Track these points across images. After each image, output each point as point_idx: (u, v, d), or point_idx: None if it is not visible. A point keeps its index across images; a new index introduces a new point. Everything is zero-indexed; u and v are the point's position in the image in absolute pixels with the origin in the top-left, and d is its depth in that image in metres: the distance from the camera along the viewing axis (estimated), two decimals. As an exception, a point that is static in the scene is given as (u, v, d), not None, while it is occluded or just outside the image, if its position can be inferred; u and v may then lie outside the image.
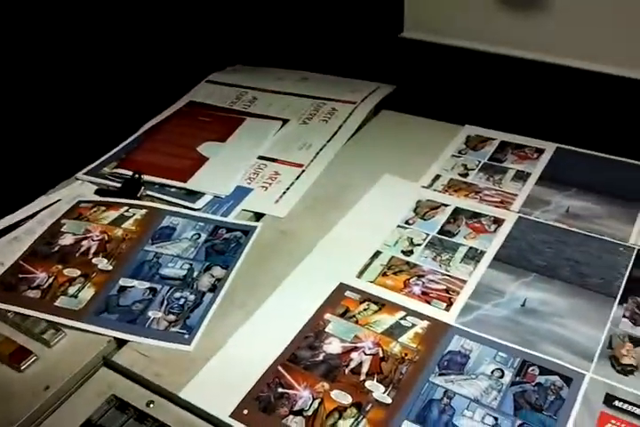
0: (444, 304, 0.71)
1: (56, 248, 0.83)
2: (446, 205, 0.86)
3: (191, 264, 0.80)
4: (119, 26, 1.10)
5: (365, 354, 0.67)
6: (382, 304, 0.72)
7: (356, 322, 0.70)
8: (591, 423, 0.58)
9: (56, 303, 0.75)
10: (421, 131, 1.02)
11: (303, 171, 0.96)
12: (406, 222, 0.84)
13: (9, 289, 0.77)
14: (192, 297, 0.75)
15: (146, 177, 0.95)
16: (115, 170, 0.98)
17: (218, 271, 0.79)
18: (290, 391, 0.63)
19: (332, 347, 0.68)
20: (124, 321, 0.72)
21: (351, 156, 0.99)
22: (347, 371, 0.65)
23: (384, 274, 0.76)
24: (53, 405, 0.65)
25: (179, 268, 0.79)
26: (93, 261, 0.80)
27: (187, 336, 0.71)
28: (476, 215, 0.83)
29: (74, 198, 0.92)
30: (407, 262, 0.77)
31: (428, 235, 0.81)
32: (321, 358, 0.67)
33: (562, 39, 0.95)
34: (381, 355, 0.66)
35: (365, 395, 0.62)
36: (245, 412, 0.62)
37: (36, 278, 0.78)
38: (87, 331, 0.71)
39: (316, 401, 0.62)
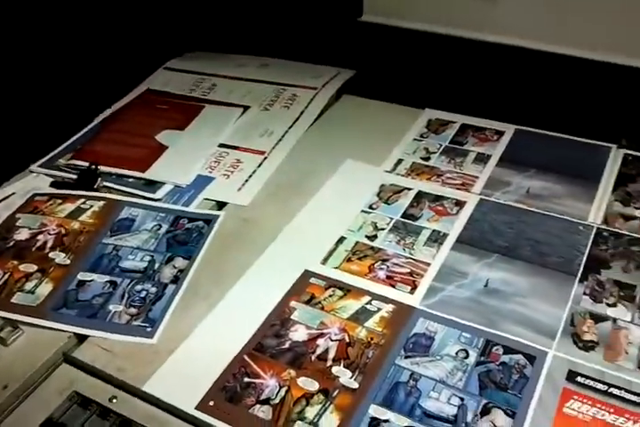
0: (409, 287, 0.71)
1: (11, 243, 0.80)
2: (409, 189, 0.85)
3: (152, 256, 0.78)
4: (73, 11, 1.06)
5: (331, 340, 0.66)
6: (347, 290, 0.72)
7: (322, 308, 0.70)
8: (554, 400, 0.59)
9: (12, 300, 0.72)
10: (383, 115, 1.02)
11: (265, 158, 0.95)
12: (370, 207, 0.83)
13: (-38, 287, 0.74)
14: (154, 289, 0.74)
15: (103, 168, 0.93)
16: (70, 161, 0.95)
17: (180, 262, 0.77)
18: (256, 381, 0.63)
19: (298, 334, 0.67)
20: (84, 316, 0.71)
21: (313, 142, 0.98)
22: (313, 358, 0.65)
23: (349, 259, 0.76)
24: (13, 404, 0.63)
25: (139, 260, 0.78)
26: (50, 255, 0.78)
27: (149, 329, 0.69)
28: (439, 198, 0.83)
29: (28, 192, 0.89)
30: (371, 247, 0.77)
31: (391, 219, 0.81)
32: (287, 345, 0.66)
33: (520, 21, 0.95)
34: (347, 340, 0.66)
35: (332, 381, 0.62)
36: (211, 403, 0.61)
37: (-10, 275, 0.76)
38: (46, 327, 0.70)
39: (283, 389, 0.62)
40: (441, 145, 0.93)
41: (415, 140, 0.95)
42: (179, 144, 0.98)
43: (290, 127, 1.01)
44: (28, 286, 0.74)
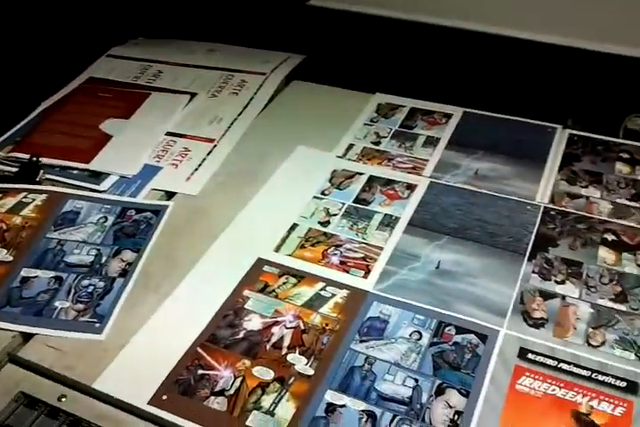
0: (363, 272, 0.71)
1: (-53, 241, 0.76)
2: (361, 174, 0.85)
3: (99, 249, 0.76)
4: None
5: (286, 328, 0.66)
6: (301, 277, 0.71)
7: (276, 296, 0.69)
8: (507, 378, 0.60)
9: (-49, 300, 0.69)
10: (333, 100, 1.01)
11: (215, 146, 0.93)
12: (322, 193, 0.83)
13: None
14: (101, 284, 0.72)
15: (45, 160, 0.89)
16: (10, 154, 0.91)
17: (128, 255, 0.75)
18: (210, 372, 0.62)
19: (253, 323, 0.66)
20: (29, 314, 0.68)
21: (263, 128, 0.96)
22: (268, 346, 0.64)
23: (302, 246, 0.75)
24: (-45, 408, 0.60)
25: (85, 254, 0.75)
26: (-10, 252, 0.75)
27: (98, 325, 0.67)
28: (390, 182, 0.83)
29: (-35, 187, 0.85)
30: (324, 233, 0.77)
31: (343, 204, 0.81)
32: (241, 335, 0.65)
33: (466, 3, 0.95)
34: (302, 327, 0.66)
35: (288, 369, 0.62)
36: (164, 397, 0.60)
37: None
38: (-12, 327, 0.67)
39: (238, 380, 0.61)
40: (391, 129, 0.93)
41: (365, 124, 0.95)
42: (124, 133, 0.95)
43: (239, 114, 0.99)
44: (-32, 285, 0.71)
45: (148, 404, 0.59)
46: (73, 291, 0.71)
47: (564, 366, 0.60)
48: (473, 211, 0.78)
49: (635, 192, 0.78)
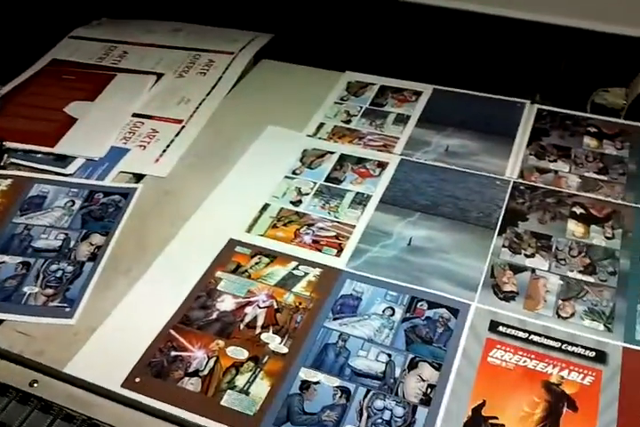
0: (335, 250, 0.71)
1: None
2: (332, 153, 0.85)
3: (66, 234, 0.74)
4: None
5: (260, 307, 0.66)
6: (274, 256, 0.71)
7: (249, 277, 0.69)
8: (478, 350, 0.60)
9: None
10: (303, 79, 1.00)
11: (183, 127, 0.91)
12: (293, 173, 0.82)
13: None
14: (70, 268, 0.70)
15: (8, 144, 0.87)
16: (-29, 138, 0.89)
17: (97, 239, 0.74)
18: (183, 354, 0.61)
19: (226, 304, 0.66)
20: (-3, 300, 0.67)
21: (232, 108, 0.95)
22: (242, 326, 0.64)
23: (274, 226, 0.75)
24: None
25: (53, 238, 0.74)
26: (-47, 239, 0.73)
27: (68, 310, 0.66)
28: (361, 160, 0.83)
29: None
30: (296, 213, 0.76)
31: (315, 183, 0.80)
32: (214, 316, 0.65)
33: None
34: (276, 306, 0.66)
35: (262, 348, 0.62)
36: (137, 380, 0.59)
37: None
38: (-46, 315, 0.65)
39: (212, 360, 0.61)
40: (361, 107, 0.92)
41: (336, 103, 0.94)
42: (89, 116, 0.93)
43: (207, 94, 0.97)
44: None
45: (121, 387, 0.59)
46: (41, 276, 0.70)
47: (535, 338, 0.61)
48: (444, 187, 0.78)
49: (602, 166, 0.79)
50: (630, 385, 0.57)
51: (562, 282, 0.66)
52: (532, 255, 0.69)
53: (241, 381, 0.59)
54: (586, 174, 0.78)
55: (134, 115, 0.94)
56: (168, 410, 0.57)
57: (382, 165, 0.82)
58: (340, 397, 0.57)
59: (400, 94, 0.94)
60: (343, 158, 0.84)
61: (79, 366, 0.60)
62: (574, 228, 0.71)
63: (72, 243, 0.73)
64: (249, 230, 0.74)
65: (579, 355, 0.59)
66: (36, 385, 0.59)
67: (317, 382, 0.59)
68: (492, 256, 0.69)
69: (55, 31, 1.15)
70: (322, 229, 0.74)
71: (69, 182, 0.82)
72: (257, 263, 0.70)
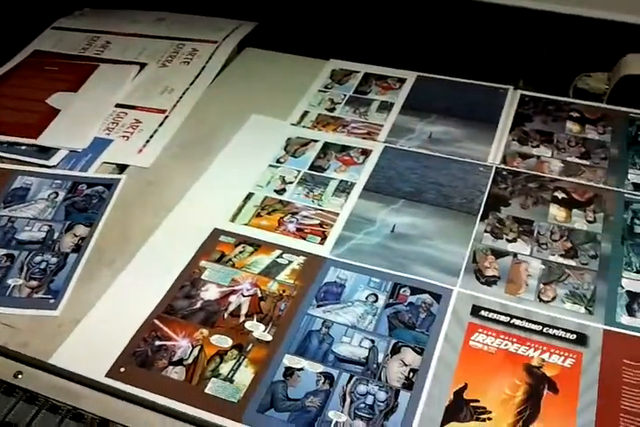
0: (319, 238, 0.71)
1: None
2: (315, 141, 0.85)
3: (50, 225, 0.74)
4: None
5: (244, 296, 0.66)
6: (258, 245, 0.71)
7: (233, 266, 0.69)
8: (460, 335, 0.61)
9: None
10: (287, 67, 1.00)
11: (166, 117, 0.91)
12: (277, 161, 0.82)
13: None
14: (54, 260, 0.70)
15: (-10, 136, 0.86)
16: (-47, 131, 0.88)
17: (81, 230, 0.74)
18: (168, 343, 0.62)
19: (210, 293, 0.66)
20: (-19, 292, 0.67)
21: (216, 97, 0.94)
22: (226, 315, 0.64)
23: (258, 215, 0.75)
24: None
25: (37, 230, 0.74)
26: (-64, 232, 0.73)
27: (52, 301, 0.66)
28: (345, 148, 0.83)
29: None
30: (280, 201, 0.76)
31: (299, 172, 0.80)
32: (199, 305, 0.65)
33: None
34: (260, 295, 0.66)
35: (246, 336, 0.62)
36: (122, 370, 0.59)
37: None
38: (-63, 308, 0.65)
39: (196, 349, 0.61)
40: (345, 95, 0.92)
41: (320, 91, 0.93)
42: (72, 107, 0.92)
43: (191, 84, 0.97)
44: None
45: (105, 377, 0.59)
46: (26, 268, 0.70)
47: (517, 322, 0.62)
48: (427, 174, 0.78)
49: (584, 150, 0.80)
50: (610, 367, 0.58)
51: (543, 266, 0.66)
52: (514, 240, 0.69)
53: (225, 369, 0.59)
54: (568, 159, 0.78)
55: (117, 105, 0.93)
56: (152, 399, 0.57)
57: (366, 153, 0.82)
58: (324, 383, 0.58)
59: (384, 82, 0.94)
60: (327, 146, 0.84)
61: (64, 357, 0.61)
62: (556, 212, 0.72)
63: (56, 235, 0.73)
64: (233, 220, 0.74)
65: (560, 338, 0.60)
66: (20, 376, 0.60)
67: (301, 369, 0.59)
68: (475, 242, 0.69)
69: (37, 22, 1.13)
70: (306, 217, 0.74)
71: (53, 174, 0.81)
72: (241, 252, 0.71)
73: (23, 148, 0.86)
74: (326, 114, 0.89)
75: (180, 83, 0.97)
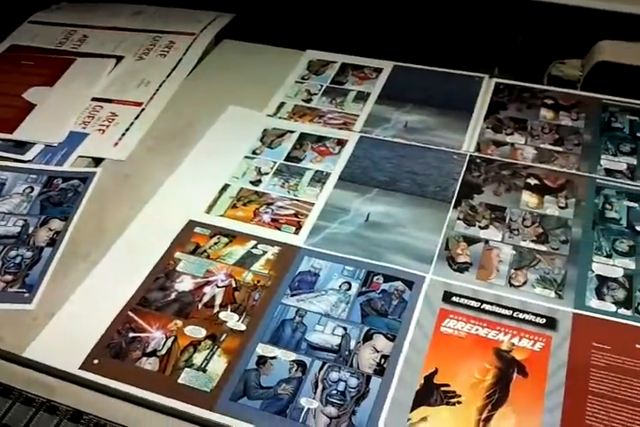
0: (294, 228, 0.72)
1: None
2: (292, 132, 0.85)
3: (25, 220, 0.74)
4: None
5: (218, 287, 0.66)
6: (233, 236, 0.71)
7: (208, 257, 0.69)
8: (432, 320, 0.61)
9: None
10: (264, 59, 0.99)
11: (143, 109, 0.91)
12: (253, 153, 0.82)
13: None
14: (29, 254, 0.70)
15: (-35, 132, 0.86)
16: None
17: (56, 224, 0.74)
18: (142, 335, 0.62)
19: (184, 285, 0.67)
20: (-45, 288, 0.67)
21: (193, 90, 0.94)
22: (200, 306, 0.64)
23: (234, 206, 0.75)
24: None
25: (12, 225, 0.74)
26: None
27: (27, 295, 0.66)
28: (321, 139, 0.83)
29: None
30: (256, 192, 0.77)
31: (275, 163, 0.80)
32: (173, 297, 0.65)
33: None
34: (234, 285, 0.66)
35: (220, 326, 0.62)
36: (96, 362, 0.60)
37: None
38: None
39: (170, 340, 0.61)
40: (322, 86, 0.92)
41: (297, 82, 0.93)
42: (48, 101, 0.92)
43: (167, 76, 0.97)
44: None
45: (79, 369, 0.59)
46: (0, 262, 0.70)
47: (487, 307, 0.62)
48: (403, 163, 0.79)
49: (558, 137, 0.80)
50: (579, 350, 0.58)
51: (514, 252, 0.67)
52: (486, 227, 0.69)
53: (198, 359, 0.60)
54: (541, 146, 0.79)
55: (94, 99, 0.93)
56: (126, 390, 0.57)
57: (342, 143, 0.82)
58: (296, 370, 0.58)
59: (360, 72, 0.94)
60: (303, 137, 0.84)
61: (38, 351, 0.61)
62: (528, 199, 0.72)
63: (31, 229, 0.73)
64: (208, 211, 0.74)
65: (529, 322, 0.61)
66: (-6, 370, 0.60)
67: (274, 358, 0.59)
68: (448, 229, 0.70)
69: (14, 16, 1.12)
70: (281, 207, 0.75)
71: (28, 169, 0.81)
72: (216, 243, 0.71)
73: (-1, 143, 0.86)
74: (303, 105, 0.89)
75: (157, 75, 0.97)
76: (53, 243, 0.72)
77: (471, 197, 0.73)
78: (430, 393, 0.56)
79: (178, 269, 0.68)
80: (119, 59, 1.01)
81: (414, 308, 0.62)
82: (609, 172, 0.75)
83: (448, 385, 0.56)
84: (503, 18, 0.92)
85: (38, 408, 0.57)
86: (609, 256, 0.66)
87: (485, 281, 0.65)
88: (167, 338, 0.61)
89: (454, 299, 0.63)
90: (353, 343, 0.60)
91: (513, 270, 0.65)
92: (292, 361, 0.59)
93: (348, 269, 0.67)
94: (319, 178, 0.78)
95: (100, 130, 0.87)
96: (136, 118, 0.89)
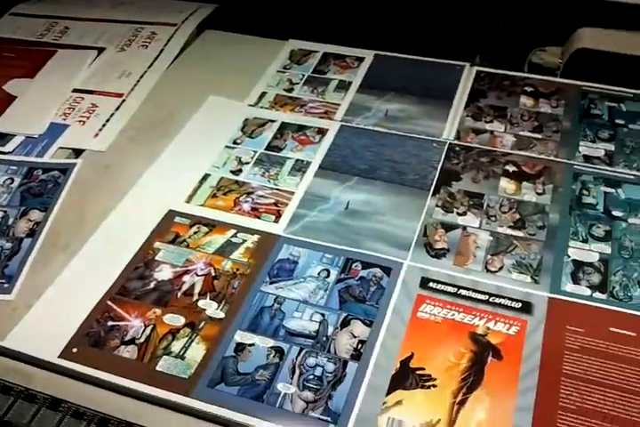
0: (274, 217, 0.72)
1: None
2: (273, 121, 0.85)
3: (5, 211, 0.74)
4: None
5: (197, 275, 0.66)
6: (213, 225, 0.71)
7: (187, 246, 0.69)
8: (409, 306, 0.62)
9: None
10: (246, 49, 0.99)
11: (123, 100, 0.90)
12: (234, 142, 0.82)
13: None
14: (8, 245, 0.70)
15: (-55, 124, 0.86)
16: None
17: (36, 215, 0.74)
18: (120, 323, 0.62)
19: (163, 274, 0.67)
20: None
21: (174, 80, 0.94)
22: (179, 294, 0.65)
23: (214, 196, 0.75)
24: None
25: (-9, 217, 0.74)
26: None
27: (6, 286, 0.67)
28: (302, 128, 0.83)
29: None
30: (236, 182, 0.77)
31: (255, 152, 0.80)
32: (152, 286, 0.66)
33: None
34: (213, 274, 0.66)
35: (199, 314, 0.63)
36: (75, 350, 0.60)
37: None
38: None
39: (149, 328, 0.62)
40: (304, 75, 0.92)
41: (279, 71, 0.93)
42: (28, 93, 0.92)
43: (149, 67, 0.96)
44: None
45: (58, 357, 0.59)
46: (-21, 254, 0.70)
47: (463, 292, 0.63)
48: (383, 152, 0.79)
49: (537, 124, 0.80)
50: (553, 333, 0.59)
51: (491, 238, 0.67)
52: (464, 213, 0.70)
53: (177, 346, 0.60)
54: (521, 133, 0.79)
55: (75, 90, 0.93)
56: (104, 378, 0.57)
57: (322, 132, 0.82)
58: (274, 356, 0.59)
59: (342, 61, 0.94)
60: (284, 127, 0.84)
61: (17, 340, 0.61)
62: (506, 185, 0.73)
63: (10, 220, 0.73)
64: (188, 201, 0.75)
65: (505, 306, 0.61)
66: (-27, 360, 0.60)
67: (252, 344, 0.60)
68: (426, 216, 0.70)
69: (-5, 8, 1.12)
70: (261, 196, 0.75)
71: (8, 160, 0.81)
72: (196, 233, 0.71)
73: (-21, 135, 0.86)
74: (284, 94, 0.89)
75: (138, 66, 0.96)
76: (33, 234, 0.72)
77: (450, 184, 0.73)
78: (406, 377, 0.56)
79: (157, 258, 0.68)
80: (100, 50, 1.00)
81: (392, 294, 0.63)
82: (587, 158, 0.75)
83: (423, 369, 0.57)
84: (484, 6, 0.92)
85: (17, 397, 0.57)
86: (585, 241, 0.66)
87: (462, 267, 0.65)
88: (146, 326, 0.62)
89: (431, 285, 0.64)
90: (331, 329, 0.60)
91: (489, 256, 0.66)
92: (270, 347, 0.59)
93: (327, 257, 0.67)
94: (299, 167, 0.78)
95: (80, 121, 0.87)
96: (117, 109, 0.89)
